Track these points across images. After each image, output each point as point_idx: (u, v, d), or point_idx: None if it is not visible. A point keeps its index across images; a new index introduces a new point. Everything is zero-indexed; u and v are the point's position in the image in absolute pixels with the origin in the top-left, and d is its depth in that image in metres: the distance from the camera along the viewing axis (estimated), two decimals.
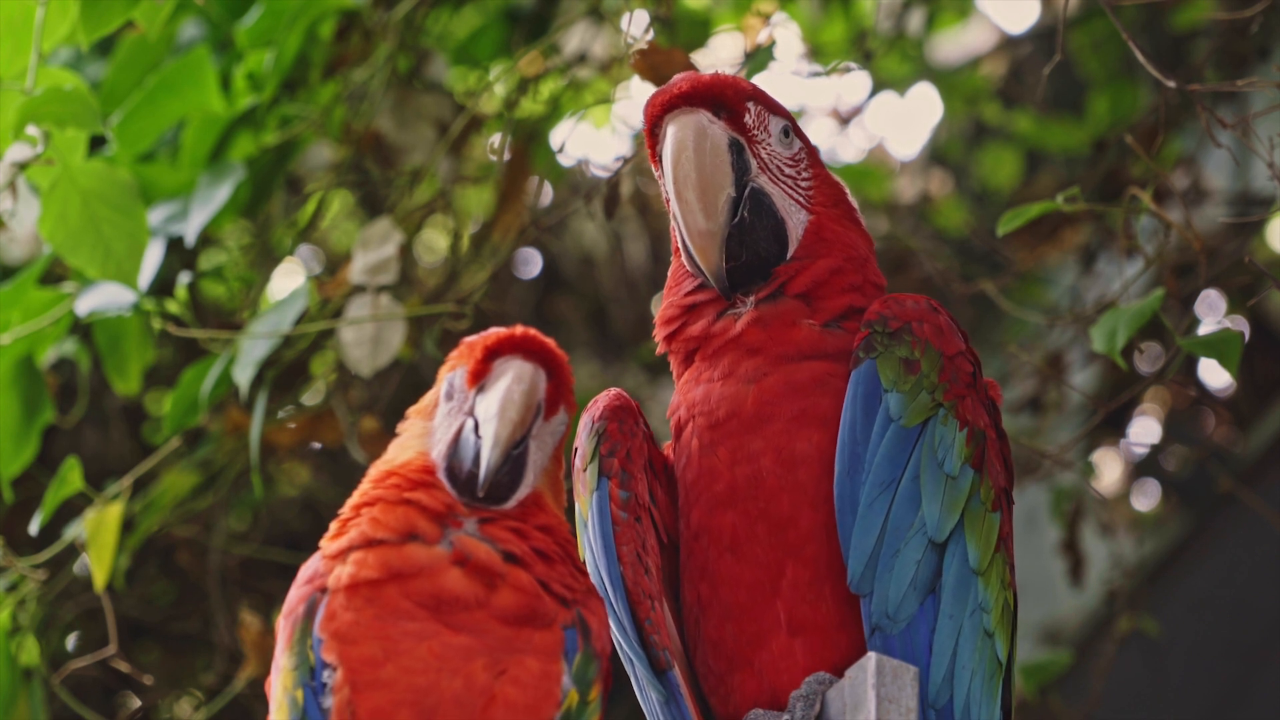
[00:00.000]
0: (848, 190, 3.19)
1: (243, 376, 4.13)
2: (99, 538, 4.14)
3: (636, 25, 4.41)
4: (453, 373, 2.93)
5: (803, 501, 2.96)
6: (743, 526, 2.98)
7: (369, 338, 4.20)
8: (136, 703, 5.36)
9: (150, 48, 4.43)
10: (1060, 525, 5.25)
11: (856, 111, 6.28)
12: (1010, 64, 6.44)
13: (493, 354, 2.88)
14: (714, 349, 3.05)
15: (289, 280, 5.23)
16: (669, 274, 3.16)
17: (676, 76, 3.09)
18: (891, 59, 6.14)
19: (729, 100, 3.06)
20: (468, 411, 2.88)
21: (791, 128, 3.13)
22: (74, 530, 4.25)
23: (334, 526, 2.88)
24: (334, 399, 4.54)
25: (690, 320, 3.09)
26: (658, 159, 3.09)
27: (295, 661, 2.78)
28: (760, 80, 3.52)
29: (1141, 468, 6.45)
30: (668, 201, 3.08)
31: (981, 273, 5.44)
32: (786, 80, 5.46)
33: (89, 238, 3.90)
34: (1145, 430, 6.38)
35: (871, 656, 2.86)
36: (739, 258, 3.05)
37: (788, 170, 3.10)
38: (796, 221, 3.09)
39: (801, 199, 3.10)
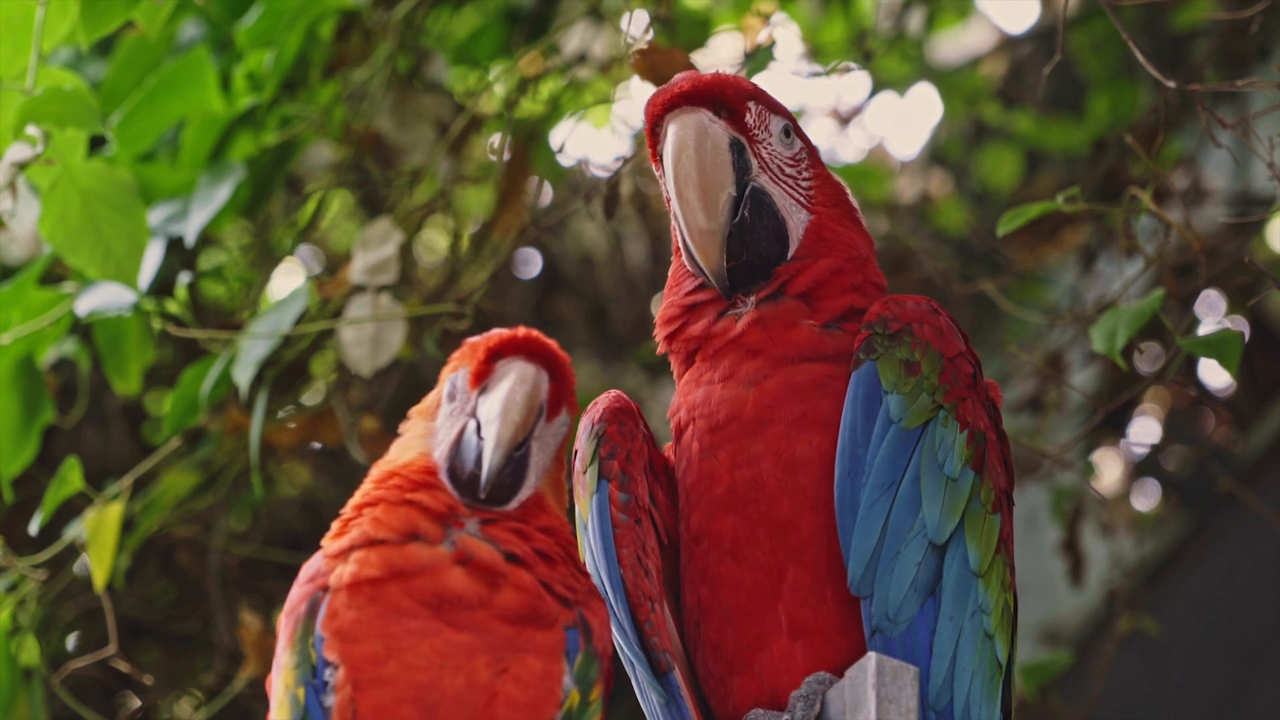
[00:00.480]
0: (848, 190, 3.18)
1: (243, 376, 4.13)
2: (99, 538, 4.14)
3: (636, 25, 4.41)
4: (455, 374, 2.92)
5: (803, 505, 2.96)
6: (743, 530, 2.97)
7: (369, 338, 4.19)
8: (136, 703, 5.36)
9: (150, 48, 4.43)
10: (1060, 525, 5.25)
11: (856, 111, 6.28)
12: (1010, 64, 6.43)
13: (495, 355, 2.88)
14: (714, 349, 3.04)
15: (289, 280, 5.22)
16: (669, 274, 3.16)
17: (677, 76, 3.08)
18: (891, 59, 6.13)
19: (730, 100, 3.06)
20: (470, 413, 2.88)
21: (792, 127, 3.12)
22: (74, 530, 4.25)
23: (336, 526, 2.88)
24: (334, 399, 4.53)
25: (691, 320, 3.08)
26: (658, 158, 3.08)
27: (297, 659, 2.78)
28: (760, 80, 3.50)
29: (1141, 468, 6.45)
30: (668, 201, 3.07)
31: (981, 273, 5.44)
32: (786, 80, 5.46)
33: (89, 238, 3.90)
34: (1145, 430, 6.38)
35: (871, 656, 2.85)
36: (739, 257, 3.05)
37: (788, 170, 3.10)
38: (797, 221, 3.09)
39: (802, 199, 3.10)
